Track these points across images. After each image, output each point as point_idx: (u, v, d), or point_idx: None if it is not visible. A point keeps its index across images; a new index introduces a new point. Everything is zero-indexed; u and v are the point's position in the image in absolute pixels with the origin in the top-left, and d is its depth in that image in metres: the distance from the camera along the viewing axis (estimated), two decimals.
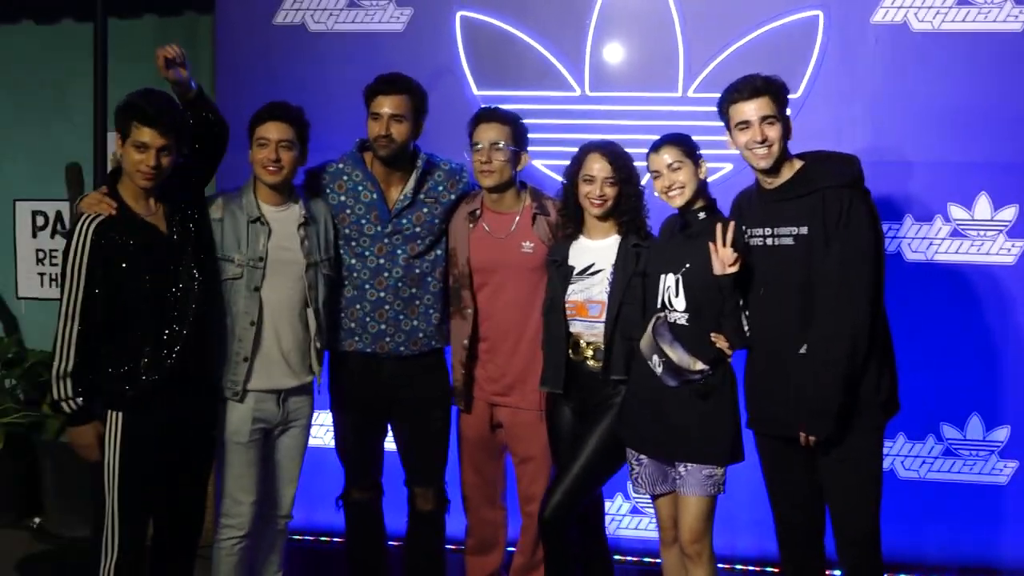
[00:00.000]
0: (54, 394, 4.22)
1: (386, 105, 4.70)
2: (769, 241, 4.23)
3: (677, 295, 4.34)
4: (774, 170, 4.24)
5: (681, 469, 4.35)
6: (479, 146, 4.73)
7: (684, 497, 4.36)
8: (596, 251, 4.63)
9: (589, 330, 4.60)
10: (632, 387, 4.48)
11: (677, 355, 4.26)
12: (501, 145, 4.71)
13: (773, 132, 4.19)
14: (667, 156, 4.35)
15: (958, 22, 5.38)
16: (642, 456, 4.45)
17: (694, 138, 4.45)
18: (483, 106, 4.98)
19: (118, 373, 4.25)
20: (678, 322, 4.33)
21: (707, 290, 4.29)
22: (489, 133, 4.73)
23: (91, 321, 4.19)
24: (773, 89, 4.23)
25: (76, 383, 4.20)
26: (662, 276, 4.39)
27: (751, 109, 4.21)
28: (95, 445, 4.27)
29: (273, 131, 4.54)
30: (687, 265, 4.33)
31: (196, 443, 4.49)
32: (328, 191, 4.82)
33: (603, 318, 4.56)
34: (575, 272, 4.63)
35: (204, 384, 4.46)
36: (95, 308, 4.19)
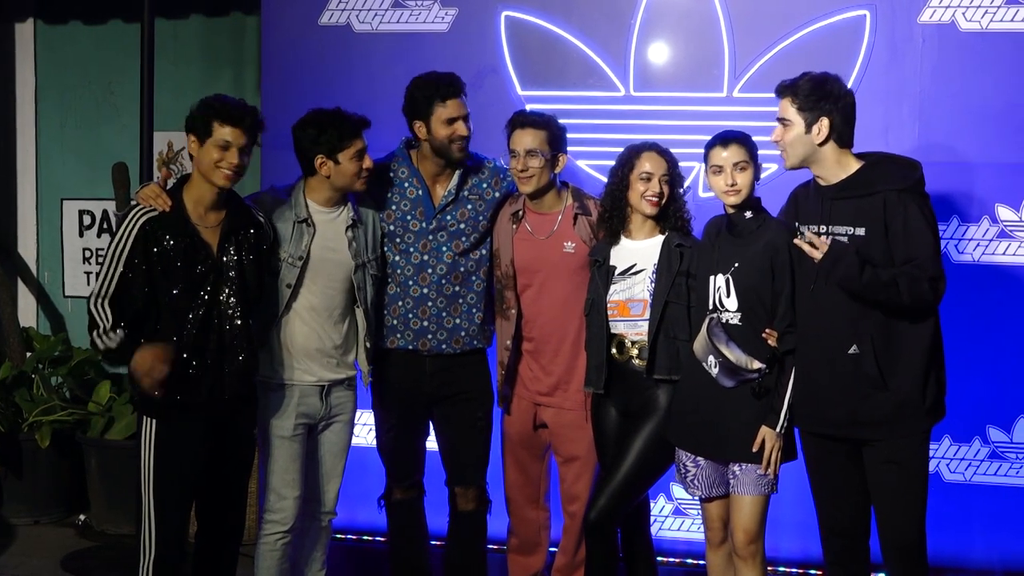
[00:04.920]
0: (95, 318, 4.19)
1: (459, 108, 4.75)
2: (823, 238, 4.16)
3: (729, 295, 4.31)
4: (821, 169, 4.20)
5: (735, 468, 4.34)
6: (515, 153, 4.73)
7: (739, 497, 4.34)
8: (638, 251, 4.63)
9: (632, 329, 4.60)
10: (681, 389, 4.47)
11: (734, 355, 4.23)
12: (536, 151, 4.70)
13: (788, 135, 4.17)
14: (734, 155, 4.30)
15: (1007, 22, 5.32)
16: (699, 458, 4.42)
17: None
18: (517, 111, 4.94)
19: None
20: (731, 322, 4.31)
21: (758, 289, 4.27)
22: (524, 139, 4.71)
23: (122, 301, 4.21)
24: (799, 90, 4.16)
25: (115, 315, 4.19)
26: (711, 277, 4.37)
27: (780, 108, 4.20)
28: (160, 363, 4.13)
29: (361, 143, 4.60)
30: (736, 265, 4.30)
31: (235, 444, 4.52)
32: (375, 188, 4.83)
33: (645, 316, 4.56)
34: (617, 272, 4.63)
35: (241, 391, 4.45)
36: (128, 295, 4.21)
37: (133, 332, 4.24)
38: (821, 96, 4.16)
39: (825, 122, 4.15)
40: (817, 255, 4.00)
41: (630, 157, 4.62)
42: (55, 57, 7.33)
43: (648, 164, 4.56)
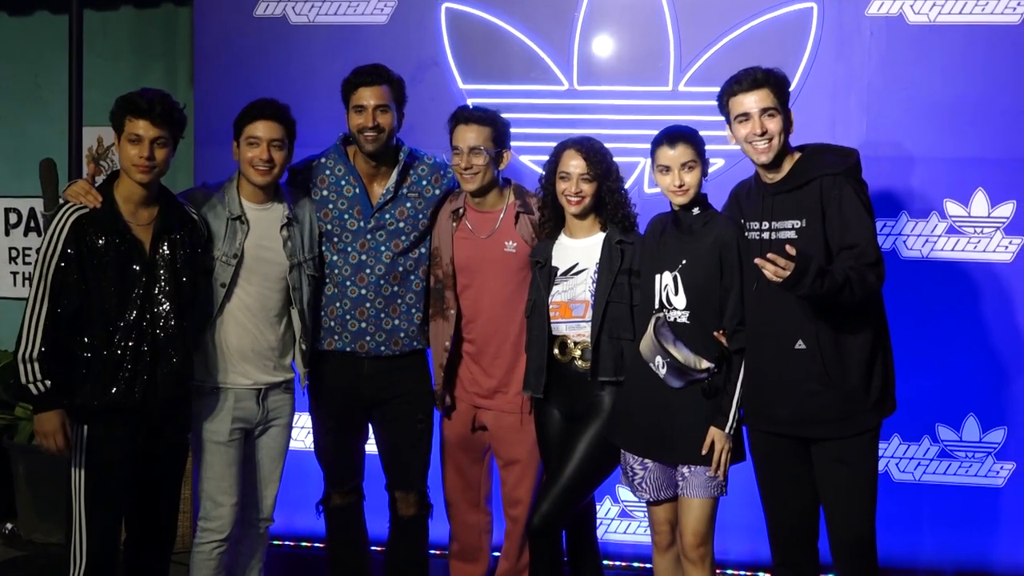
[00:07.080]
0: (21, 377, 4.15)
1: (370, 97, 4.64)
2: (766, 235, 4.16)
3: (676, 293, 4.26)
4: (775, 164, 4.17)
5: (684, 470, 4.29)
6: (458, 150, 4.65)
7: (687, 500, 4.30)
8: (579, 250, 4.56)
9: (574, 331, 4.53)
10: (627, 390, 4.41)
11: (682, 355, 4.18)
12: (481, 148, 4.62)
13: (773, 125, 4.12)
14: (682, 154, 4.25)
15: (955, 14, 5.33)
16: (646, 461, 4.36)
17: None
18: (460, 106, 4.89)
19: (76, 379, 4.20)
20: (678, 320, 4.25)
21: (707, 286, 4.23)
22: (468, 136, 4.64)
23: (58, 310, 4.15)
24: (773, 81, 4.17)
25: (43, 366, 4.14)
26: (657, 275, 4.31)
27: (751, 101, 4.14)
28: (59, 433, 4.19)
29: (264, 130, 4.49)
30: (684, 262, 4.25)
31: (168, 449, 4.44)
32: (311, 186, 4.77)
33: (587, 317, 4.50)
34: (559, 273, 4.56)
35: (175, 394, 4.37)
36: (62, 299, 4.15)
37: (69, 331, 4.19)
38: (787, 88, 4.22)
39: (791, 114, 4.21)
40: (784, 274, 3.87)
41: (554, 155, 4.59)
42: None
43: (566, 163, 4.51)
